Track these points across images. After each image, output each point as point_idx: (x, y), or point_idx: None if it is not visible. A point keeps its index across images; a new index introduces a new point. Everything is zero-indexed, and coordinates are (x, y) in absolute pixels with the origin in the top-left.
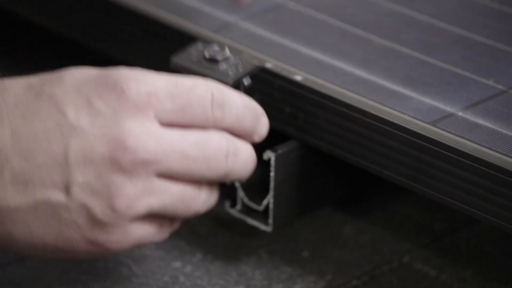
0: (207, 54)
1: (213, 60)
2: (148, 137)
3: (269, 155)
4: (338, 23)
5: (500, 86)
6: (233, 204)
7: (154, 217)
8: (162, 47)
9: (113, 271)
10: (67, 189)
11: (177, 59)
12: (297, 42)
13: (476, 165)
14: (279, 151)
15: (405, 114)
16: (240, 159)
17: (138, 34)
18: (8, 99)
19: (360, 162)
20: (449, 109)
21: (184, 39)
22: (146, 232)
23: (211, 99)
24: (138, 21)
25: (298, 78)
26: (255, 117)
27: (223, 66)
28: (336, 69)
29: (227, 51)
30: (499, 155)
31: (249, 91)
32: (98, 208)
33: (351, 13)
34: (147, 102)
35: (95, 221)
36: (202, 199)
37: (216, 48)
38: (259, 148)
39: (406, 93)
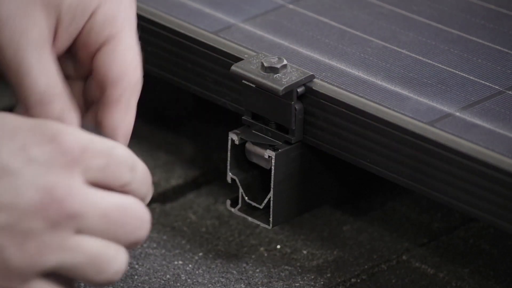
0: (265, 64)
1: (270, 69)
2: (75, 192)
3: (269, 153)
4: (337, 24)
5: (496, 87)
6: (234, 203)
7: (59, 276)
8: (162, 48)
9: None
10: None
11: (237, 67)
12: (296, 43)
13: (473, 164)
14: (279, 150)
15: (403, 114)
16: (147, 226)
17: (138, 35)
18: None
19: (359, 161)
20: (446, 109)
21: (185, 40)
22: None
23: (129, 162)
24: (139, 22)
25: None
26: (149, 182)
27: (278, 75)
28: (335, 70)
29: (284, 61)
30: (496, 155)
31: (301, 99)
32: (12, 249)
33: (350, 14)
34: (77, 156)
35: (6, 261)
36: (116, 267)
37: (274, 58)
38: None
39: (404, 93)
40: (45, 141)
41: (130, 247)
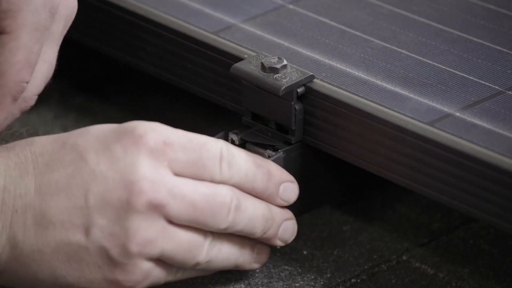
0: (265, 64)
1: (269, 69)
2: (162, 182)
3: (269, 154)
4: (337, 24)
5: (496, 87)
6: None
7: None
8: (162, 48)
9: None
10: (86, 231)
11: (237, 67)
12: (296, 43)
13: (473, 164)
14: (280, 150)
15: (403, 114)
16: (243, 215)
17: (139, 35)
18: (34, 149)
19: (359, 161)
20: (446, 109)
21: (185, 40)
22: (162, 272)
23: (219, 156)
24: (138, 22)
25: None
26: (269, 179)
27: (278, 75)
28: (335, 70)
29: (284, 62)
30: (496, 155)
31: (301, 99)
32: (116, 249)
33: (350, 14)
34: (162, 150)
35: (113, 262)
36: (206, 249)
37: (274, 58)
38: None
39: (404, 93)
40: (126, 138)
41: (225, 231)
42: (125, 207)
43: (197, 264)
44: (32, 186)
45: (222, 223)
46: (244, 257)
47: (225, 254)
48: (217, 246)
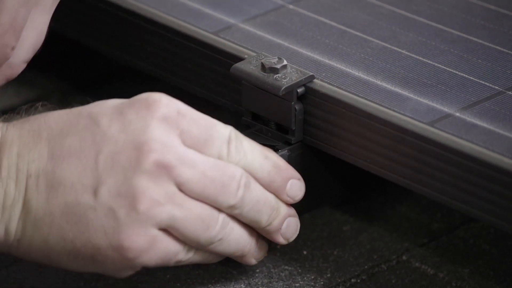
0: (265, 64)
1: (269, 70)
2: (172, 146)
3: None
4: (337, 24)
5: (496, 87)
6: None
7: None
8: (161, 48)
9: None
10: (95, 192)
11: (237, 67)
12: (296, 44)
13: (473, 165)
14: (280, 151)
15: (403, 114)
16: (252, 194)
17: (139, 35)
18: (48, 119)
19: (359, 161)
20: (446, 109)
21: (185, 40)
22: (171, 246)
23: (228, 139)
24: (138, 22)
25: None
26: (276, 172)
27: (278, 76)
28: (335, 70)
29: (284, 62)
30: (496, 155)
31: (301, 99)
32: (123, 210)
33: (350, 15)
34: (175, 119)
35: (119, 224)
36: (220, 223)
37: (274, 59)
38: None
39: (404, 94)
40: (140, 103)
41: (232, 210)
42: (134, 167)
43: (210, 240)
44: (46, 151)
45: (232, 198)
46: (251, 245)
47: (237, 235)
48: (230, 224)
